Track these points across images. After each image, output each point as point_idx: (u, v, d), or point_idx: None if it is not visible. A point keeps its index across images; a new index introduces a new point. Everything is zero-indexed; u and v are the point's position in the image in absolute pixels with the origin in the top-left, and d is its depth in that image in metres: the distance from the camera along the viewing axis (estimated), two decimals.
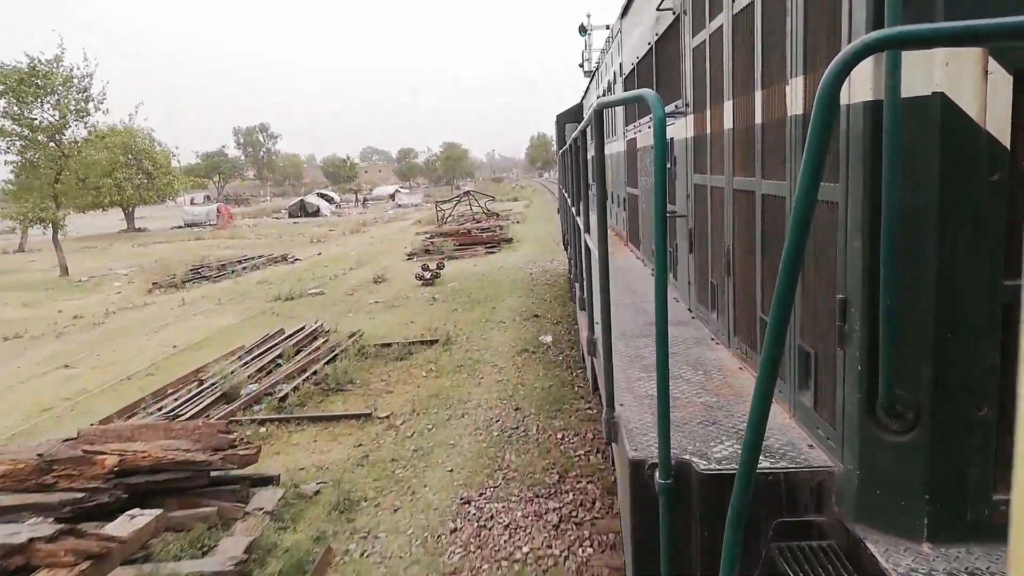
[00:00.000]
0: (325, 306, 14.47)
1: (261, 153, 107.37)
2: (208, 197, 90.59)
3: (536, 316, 12.08)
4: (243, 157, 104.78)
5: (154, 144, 41.07)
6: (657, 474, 2.21)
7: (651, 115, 1.99)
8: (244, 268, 22.32)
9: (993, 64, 1.81)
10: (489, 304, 13.39)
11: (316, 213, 52.17)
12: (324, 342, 10.58)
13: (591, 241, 3.60)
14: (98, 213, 38.32)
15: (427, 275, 16.36)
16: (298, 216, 51.97)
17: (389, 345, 10.26)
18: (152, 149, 40.30)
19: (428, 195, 72.73)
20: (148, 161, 39.06)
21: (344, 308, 14.11)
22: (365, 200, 67.52)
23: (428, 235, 25.87)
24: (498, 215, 33.68)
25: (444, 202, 35.98)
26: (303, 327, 11.33)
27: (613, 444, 3.06)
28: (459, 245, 22.71)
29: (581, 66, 17.33)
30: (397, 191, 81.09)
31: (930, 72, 1.86)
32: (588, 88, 14.45)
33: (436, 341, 10.49)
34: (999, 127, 1.83)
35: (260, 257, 24.54)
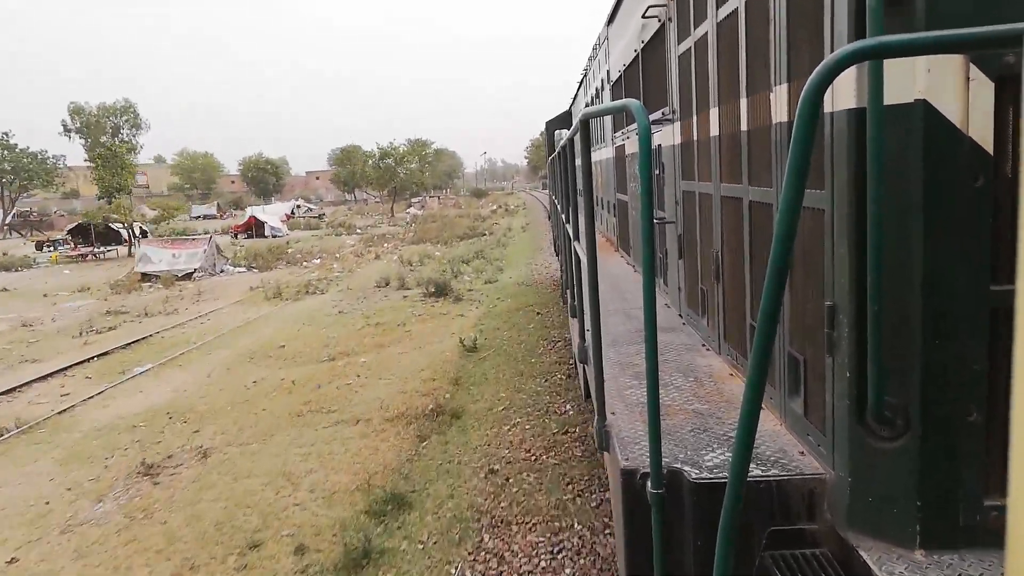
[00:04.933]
0: None
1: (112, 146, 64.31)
2: (16, 215, 56.54)
3: None
4: (83, 154, 59.55)
5: None
6: (649, 483, 2.19)
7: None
8: None
9: (975, 71, 1.82)
10: None
11: None
12: None
13: (580, 249, 3.60)
14: None
15: None
16: None
17: None
18: None
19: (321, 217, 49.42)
20: None
21: None
22: (141, 234, 31.96)
23: None
24: None
25: None
26: None
27: (605, 453, 3.04)
28: None
29: None
30: (294, 207, 54.86)
31: (912, 79, 1.87)
32: (576, 95, 14.50)
33: None
34: (982, 133, 1.84)
35: None
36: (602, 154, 10.10)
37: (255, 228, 39.27)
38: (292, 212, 53.28)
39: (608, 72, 8.58)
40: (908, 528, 2.01)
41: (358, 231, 39.99)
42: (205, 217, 63.20)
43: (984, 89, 1.82)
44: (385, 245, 30.13)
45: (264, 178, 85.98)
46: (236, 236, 38.50)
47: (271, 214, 44.16)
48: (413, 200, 65.20)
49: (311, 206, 67.73)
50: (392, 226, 42.29)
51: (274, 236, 37.49)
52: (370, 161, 60.17)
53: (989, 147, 1.85)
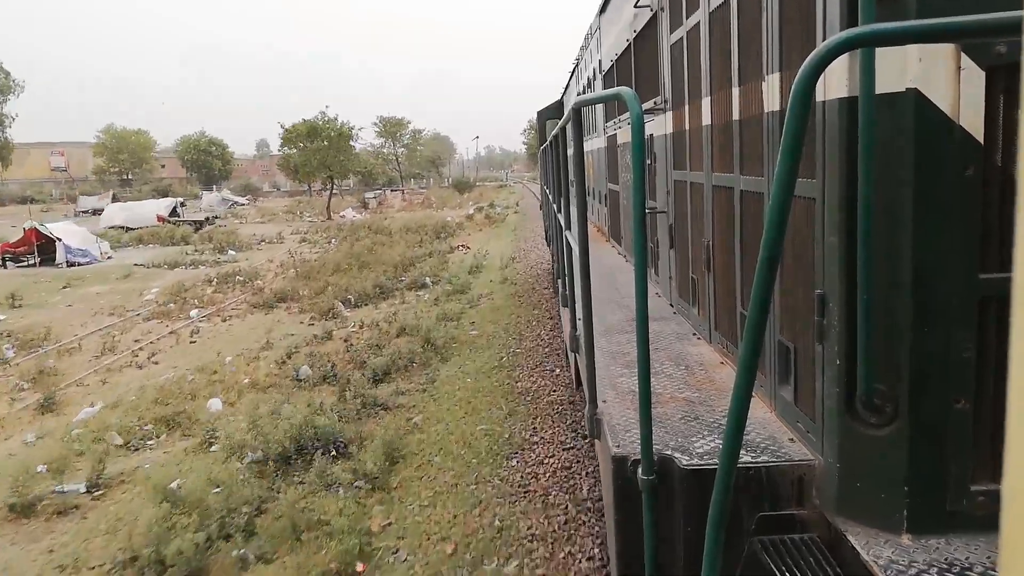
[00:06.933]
0: None
1: None
2: None
3: None
4: None
5: None
6: (640, 470, 2.21)
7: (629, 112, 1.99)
8: None
9: (966, 60, 1.83)
10: None
11: None
12: None
13: (572, 239, 3.61)
14: None
15: None
16: None
17: None
18: None
19: None
20: None
21: None
22: None
23: None
24: None
25: None
26: None
27: (596, 440, 3.06)
28: None
29: None
30: (176, 206, 34.19)
31: (904, 68, 1.88)
32: (568, 84, 14.46)
33: None
34: (972, 122, 1.85)
35: None
36: (594, 144, 10.09)
37: (39, 249, 22.50)
38: (175, 210, 35.08)
39: (600, 62, 8.55)
40: (896, 513, 2.04)
41: (228, 254, 23.24)
42: (95, 212, 42.35)
43: (975, 78, 1.83)
44: (191, 314, 13.06)
45: (207, 161, 71.98)
46: (4, 262, 22.63)
47: (80, 224, 27.47)
48: (368, 195, 48.46)
49: (239, 200, 52.58)
50: (303, 240, 26.20)
51: (71, 264, 21.85)
52: (301, 144, 40.23)
53: (980, 136, 1.86)
